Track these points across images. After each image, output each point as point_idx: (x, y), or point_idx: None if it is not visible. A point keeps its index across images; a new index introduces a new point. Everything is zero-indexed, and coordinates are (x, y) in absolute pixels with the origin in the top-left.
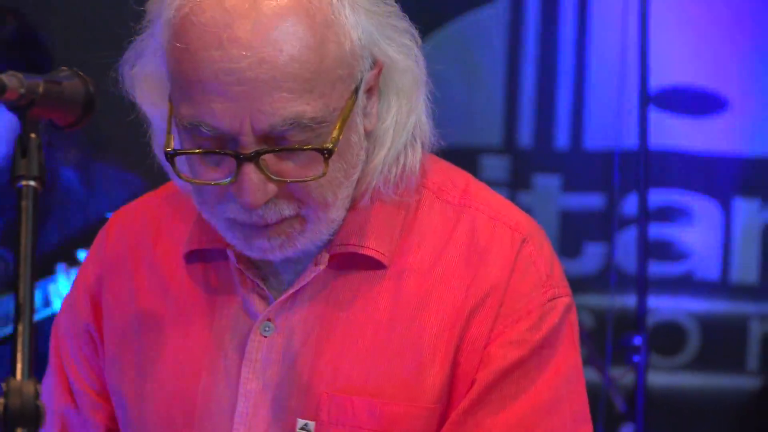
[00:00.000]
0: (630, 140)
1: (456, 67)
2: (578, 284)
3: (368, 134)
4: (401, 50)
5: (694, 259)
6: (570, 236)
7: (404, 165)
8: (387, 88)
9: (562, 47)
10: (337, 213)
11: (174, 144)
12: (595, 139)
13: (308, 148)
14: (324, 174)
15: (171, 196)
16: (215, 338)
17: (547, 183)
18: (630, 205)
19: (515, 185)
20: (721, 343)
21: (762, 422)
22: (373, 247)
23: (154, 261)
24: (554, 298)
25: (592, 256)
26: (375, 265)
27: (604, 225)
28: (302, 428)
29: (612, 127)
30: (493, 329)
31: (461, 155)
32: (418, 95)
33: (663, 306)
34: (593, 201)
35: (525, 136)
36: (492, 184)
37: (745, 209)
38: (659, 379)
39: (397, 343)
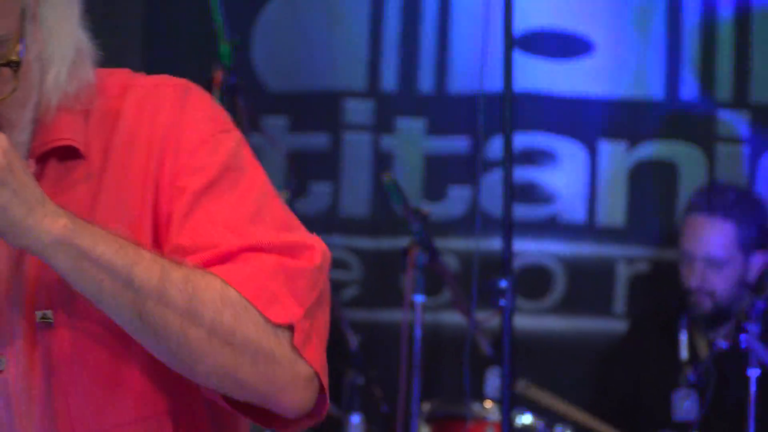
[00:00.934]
0: (494, 83)
1: (318, 11)
2: (443, 228)
3: (37, 57)
4: None
5: (559, 202)
6: (435, 180)
7: (78, 78)
8: (45, 11)
9: None
10: (22, 136)
11: None
12: (460, 82)
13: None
14: (15, 89)
15: None
16: None
17: (411, 126)
18: (495, 148)
19: (379, 129)
20: (588, 286)
21: (628, 365)
22: (69, 137)
23: None
24: (225, 131)
25: (457, 200)
26: (74, 155)
27: (469, 168)
28: (42, 318)
29: (476, 70)
30: (175, 166)
31: (324, 99)
32: (75, 13)
33: (529, 249)
34: (458, 144)
35: (389, 79)
36: (356, 128)
37: (610, 151)
38: (525, 322)
39: (114, 212)
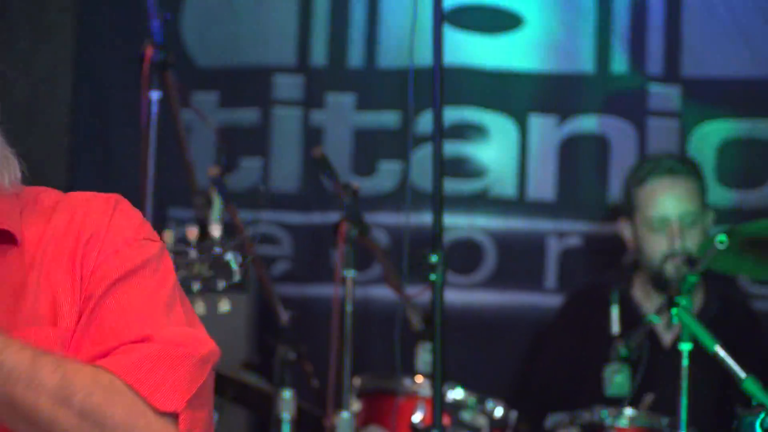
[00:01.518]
0: (424, 58)
1: None
2: (374, 202)
3: None
4: None
5: (490, 176)
6: (365, 154)
7: (10, 171)
8: None
9: None
10: None
11: None
12: (389, 57)
13: None
14: None
15: None
16: None
17: (341, 101)
18: (425, 122)
19: (309, 104)
20: (519, 260)
21: (561, 340)
22: (5, 223)
23: None
24: (150, 239)
25: (388, 174)
26: (8, 239)
27: (400, 143)
28: None
29: (406, 45)
30: (98, 258)
31: (254, 74)
32: None
33: (459, 224)
34: (388, 119)
35: (318, 54)
36: (286, 103)
37: (541, 126)
38: (456, 296)
39: (32, 306)
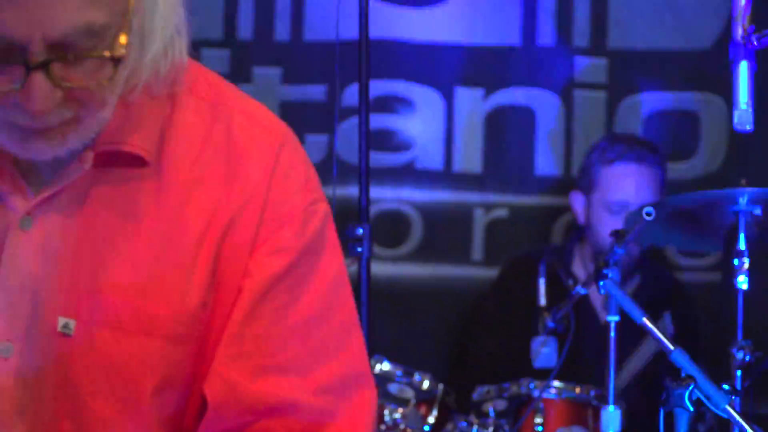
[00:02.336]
0: (350, 31)
1: None
2: None
3: (137, 30)
4: None
5: (416, 149)
6: (291, 127)
7: (172, 59)
8: None
9: None
10: (109, 111)
11: None
12: (316, 30)
13: (99, 56)
14: (112, 78)
15: None
16: None
17: (267, 75)
18: (351, 95)
19: (235, 78)
20: (445, 233)
21: (490, 312)
22: (137, 143)
23: None
24: (315, 203)
25: (314, 148)
26: (139, 162)
27: (326, 116)
28: (63, 327)
29: (332, 19)
30: (258, 236)
31: None
32: None
33: (386, 196)
34: (314, 92)
35: (245, 28)
36: None
37: (467, 98)
38: (383, 269)
39: (159, 245)
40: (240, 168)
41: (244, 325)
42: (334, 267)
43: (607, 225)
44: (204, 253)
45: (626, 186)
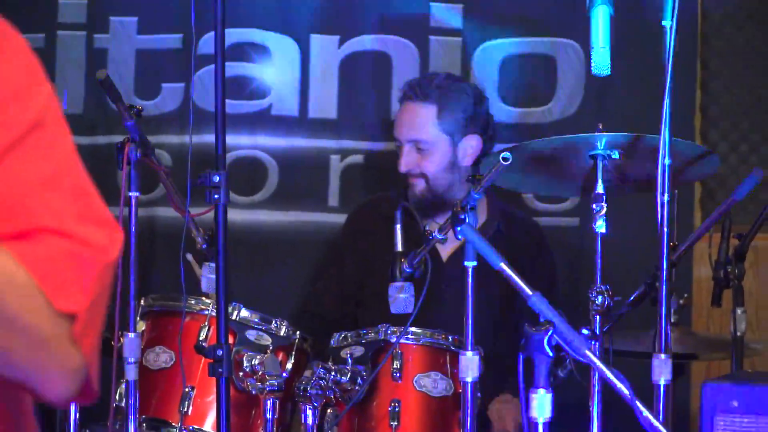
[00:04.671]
0: None
1: None
2: (157, 124)
3: None
4: None
5: (272, 96)
6: (148, 76)
7: None
8: None
9: None
10: None
11: None
12: None
13: None
14: None
15: None
16: None
17: (124, 24)
18: (207, 44)
19: (93, 28)
20: (302, 179)
21: (346, 258)
22: None
23: None
24: (39, 84)
25: (171, 95)
26: None
27: (182, 64)
28: None
29: None
30: None
31: None
32: None
33: (242, 143)
34: (170, 41)
35: None
36: (69, 27)
37: (322, 45)
38: (240, 216)
39: None
40: None
41: None
42: (64, 139)
43: (399, 162)
44: None
45: (401, 122)
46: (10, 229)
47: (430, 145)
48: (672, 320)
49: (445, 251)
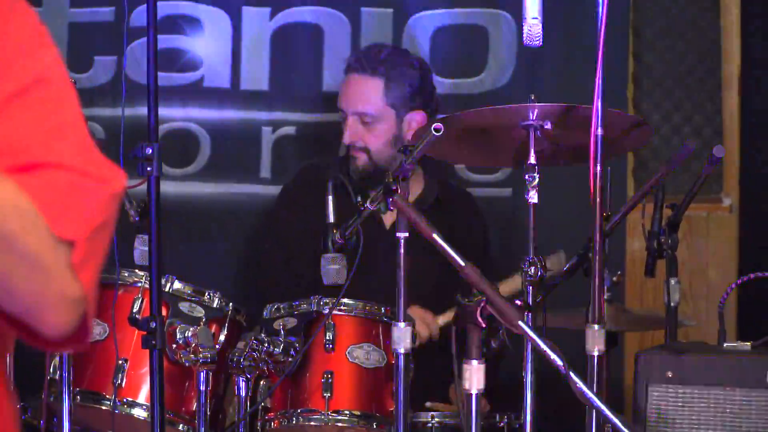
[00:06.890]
0: None
1: None
2: (89, 96)
3: None
4: None
5: (204, 68)
6: (80, 49)
7: None
8: None
9: None
10: None
11: None
12: None
13: None
14: None
15: None
16: None
17: None
18: (139, 16)
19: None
20: (234, 151)
21: (279, 231)
22: None
23: None
24: (47, 46)
25: (103, 68)
26: None
27: (115, 37)
28: None
29: None
30: None
31: None
32: None
33: (174, 115)
34: (103, 14)
35: None
36: None
37: (254, 17)
38: (172, 188)
39: None
40: None
41: None
42: (69, 98)
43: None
44: None
45: (346, 94)
46: (11, 163)
47: (375, 118)
48: (605, 297)
49: (389, 219)
